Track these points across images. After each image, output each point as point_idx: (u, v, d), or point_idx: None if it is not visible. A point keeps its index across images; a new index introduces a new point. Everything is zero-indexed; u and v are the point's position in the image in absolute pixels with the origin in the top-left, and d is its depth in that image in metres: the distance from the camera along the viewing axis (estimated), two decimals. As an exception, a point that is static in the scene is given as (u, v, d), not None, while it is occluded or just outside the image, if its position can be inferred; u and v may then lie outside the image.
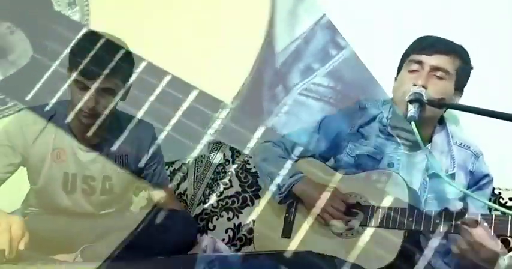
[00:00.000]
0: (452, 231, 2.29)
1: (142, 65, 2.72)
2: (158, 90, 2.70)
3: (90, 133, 2.67)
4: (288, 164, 2.59)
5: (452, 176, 2.50)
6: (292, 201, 2.57)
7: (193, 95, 2.69)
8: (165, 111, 2.71)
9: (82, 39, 2.65)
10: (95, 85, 2.58)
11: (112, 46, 2.63)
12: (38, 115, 2.72)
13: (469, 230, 2.24)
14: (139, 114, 2.75)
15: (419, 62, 2.48)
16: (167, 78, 2.70)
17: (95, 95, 2.58)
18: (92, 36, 2.64)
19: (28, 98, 2.77)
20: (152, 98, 2.70)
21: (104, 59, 2.58)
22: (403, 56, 2.58)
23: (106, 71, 2.57)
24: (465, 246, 2.25)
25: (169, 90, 2.71)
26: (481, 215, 2.27)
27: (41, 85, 2.84)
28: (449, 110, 2.56)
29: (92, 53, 2.59)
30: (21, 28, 3.04)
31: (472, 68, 2.54)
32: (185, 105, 2.68)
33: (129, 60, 2.66)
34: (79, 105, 2.61)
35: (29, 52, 2.94)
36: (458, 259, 2.33)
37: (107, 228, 2.74)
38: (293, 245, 2.53)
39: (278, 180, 2.55)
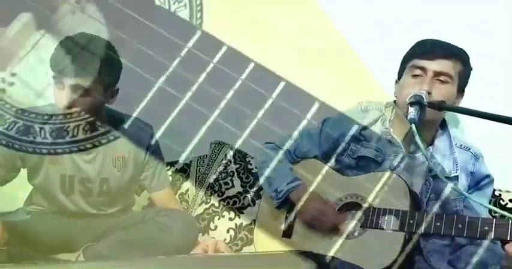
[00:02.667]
0: (453, 233, 2.30)
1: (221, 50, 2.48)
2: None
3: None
4: (287, 168, 2.61)
5: (455, 178, 2.51)
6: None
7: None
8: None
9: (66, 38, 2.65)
10: (67, 81, 2.58)
11: (92, 46, 2.62)
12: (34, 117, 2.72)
13: None
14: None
15: (422, 68, 2.49)
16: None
17: (68, 92, 2.58)
18: (78, 37, 2.64)
19: (126, 125, 2.64)
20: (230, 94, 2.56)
21: (79, 57, 2.58)
22: (403, 60, 2.59)
23: (79, 68, 2.57)
24: None
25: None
26: (482, 219, 2.29)
27: (141, 110, 2.64)
28: (450, 112, 2.58)
29: (68, 50, 2.60)
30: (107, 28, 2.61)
31: (471, 69, 2.56)
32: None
33: (110, 62, 2.64)
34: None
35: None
36: None
37: (109, 227, 2.76)
38: (293, 245, 2.54)
39: (276, 185, 2.57)
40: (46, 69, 2.70)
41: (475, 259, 2.43)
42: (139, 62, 2.64)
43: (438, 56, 2.49)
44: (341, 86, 3.12)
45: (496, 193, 2.77)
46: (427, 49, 2.52)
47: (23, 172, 2.79)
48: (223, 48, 2.49)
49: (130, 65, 2.66)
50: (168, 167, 3.11)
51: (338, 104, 2.75)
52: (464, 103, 2.56)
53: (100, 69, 2.61)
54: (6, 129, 2.68)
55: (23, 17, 2.80)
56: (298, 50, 3.16)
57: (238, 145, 2.60)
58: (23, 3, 2.74)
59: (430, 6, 3.06)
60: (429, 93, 2.45)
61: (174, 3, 2.63)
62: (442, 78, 2.48)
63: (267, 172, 2.62)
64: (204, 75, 2.52)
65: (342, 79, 3.14)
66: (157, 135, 2.74)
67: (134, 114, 2.63)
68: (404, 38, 2.73)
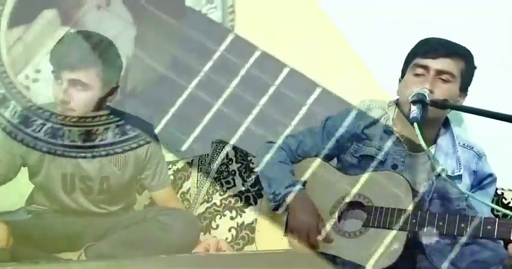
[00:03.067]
0: (456, 233, 2.30)
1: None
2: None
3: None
4: (287, 171, 2.60)
5: (458, 177, 2.52)
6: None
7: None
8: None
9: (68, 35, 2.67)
10: (65, 75, 2.58)
11: (93, 42, 2.62)
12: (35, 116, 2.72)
13: None
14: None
15: (424, 67, 2.49)
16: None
17: (67, 87, 2.58)
18: (78, 33, 2.65)
19: (157, 130, 2.59)
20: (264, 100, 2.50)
21: (78, 52, 2.58)
22: (406, 59, 2.59)
23: (78, 63, 2.57)
24: None
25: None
26: (485, 218, 2.28)
27: (173, 112, 2.56)
28: (453, 110, 2.58)
29: (68, 45, 2.61)
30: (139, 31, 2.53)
31: (475, 68, 2.56)
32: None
33: (110, 59, 2.65)
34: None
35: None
36: None
37: (111, 226, 2.75)
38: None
39: (274, 187, 2.56)
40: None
41: (477, 258, 2.43)
42: (170, 65, 2.61)
43: (441, 55, 2.49)
44: (341, 86, 3.12)
45: (499, 192, 2.77)
46: (430, 48, 2.52)
47: (25, 172, 2.79)
48: (257, 53, 2.43)
49: (161, 69, 2.62)
50: (170, 166, 3.12)
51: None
52: (466, 102, 2.56)
53: (99, 66, 2.60)
54: (33, 131, 2.68)
55: (47, 14, 2.79)
56: (297, 50, 3.17)
57: (272, 151, 2.57)
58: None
59: (430, 6, 3.06)
60: (431, 92, 2.45)
61: (205, 4, 2.54)
62: (444, 77, 2.48)
63: (267, 173, 2.61)
64: (237, 79, 2.46)
65: (342, 79, 3.14)
66: (189, 140, 2.71)
67: (165, 119, 2.58)
68: (404, 38, 2.74)
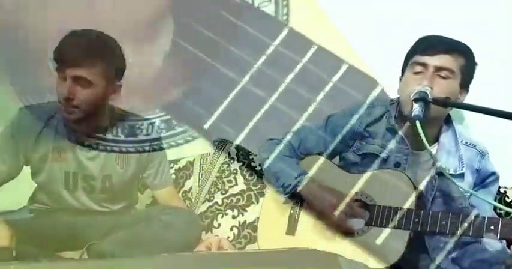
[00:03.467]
0: (459, 232, 2.30)
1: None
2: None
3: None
4: (293, 163, 2.60)
5: (461, 176, 2.51)
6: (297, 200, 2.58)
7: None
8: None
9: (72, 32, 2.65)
10: (70, 72, 2.58)
11: (97, 41, 2.64)
12: (38, 115, 2.72)
13: None
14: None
15: (423, 64, 2.49)
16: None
17: (70, 84, 2.58)
18: (83, 31, 2.65)
19: (207, 125, 2.55)
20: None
21: (83, 49, 2.59)
22: (406, 57, 2.59)
23: (82, 60, 2.57)
24: None
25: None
26: (488, 218, 2.28)
27: (224, 108, 2.53)
28: (454, 108, 2.57)
29: (73, 42, 2.61)
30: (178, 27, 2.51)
31: (476, 64, 2.56)
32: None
33: (114, 58, 2.66)
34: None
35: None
36: None
37: (113, 225, 2.75)
38: (297, 243, 2.54)
39: (283, 180, 2.56)
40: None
41: (479, 258, 2.43)
42: (221, 59, 2.57)
43: (439, 52, 2.49)
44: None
45: (501, 190, 2.77)
46: (428, 45, 2.52)
47: (27, 171, 2.78)
48: (313, 48, 2.40)
49: (212, 63, 2.58)
50: (172, 165, 3.11)
51: (339, 103, 2.74)
52: (468, 100, 2.56)
53: (103, 63, 2.61)
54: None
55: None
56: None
57: (328, 151, 2.58)
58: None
59: (430, 6, 3.06)
60: (431, 89, 2.45)
61: (257, -2, 2.43)
62: (443, 73, 2.47)
63: (273, 167, 2.60)
64: (291, 75, 2.44)
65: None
66: (240, 137, 2.69)
67: (215, 115, 2.56)
68: (404, 37, 2.73)
